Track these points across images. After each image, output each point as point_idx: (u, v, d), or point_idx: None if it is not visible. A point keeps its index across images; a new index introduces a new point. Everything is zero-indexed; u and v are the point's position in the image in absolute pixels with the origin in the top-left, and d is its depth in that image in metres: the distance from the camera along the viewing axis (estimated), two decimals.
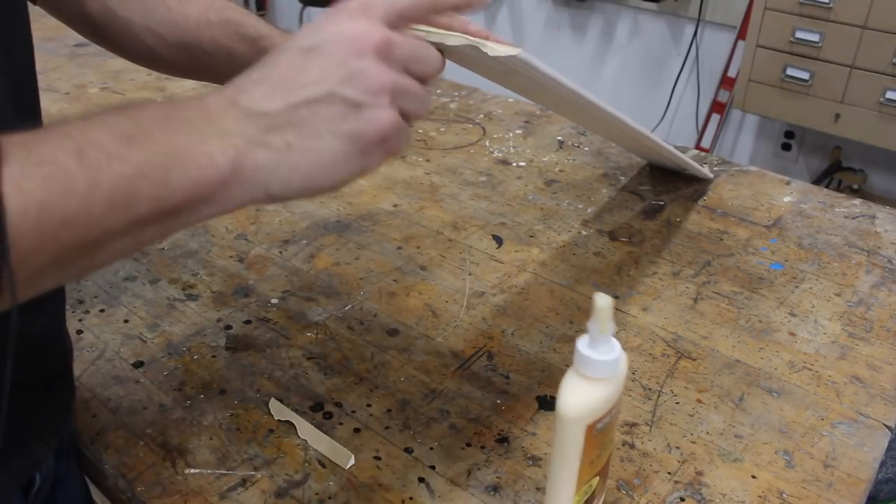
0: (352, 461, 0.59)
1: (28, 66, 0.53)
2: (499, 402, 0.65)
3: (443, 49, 0.52)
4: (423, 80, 0.44)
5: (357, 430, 0.62)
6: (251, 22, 0.61)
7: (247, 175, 0.39)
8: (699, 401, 0.65)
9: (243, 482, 0.58)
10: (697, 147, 2.50)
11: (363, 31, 0.41)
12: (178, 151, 0.37)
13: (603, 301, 0.44)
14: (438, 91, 1.29)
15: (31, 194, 0.32)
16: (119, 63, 0.68)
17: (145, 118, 0.37)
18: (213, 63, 0.62)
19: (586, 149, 1.10)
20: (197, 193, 0.37)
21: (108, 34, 0.64)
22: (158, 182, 0.36)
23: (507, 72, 0.57)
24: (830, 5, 1.92)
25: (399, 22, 0.43)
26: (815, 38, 1.97)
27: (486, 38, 0.50)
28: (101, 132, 0.35)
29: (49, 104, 1.18)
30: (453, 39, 0.49)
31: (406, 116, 0.43)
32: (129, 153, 0.35)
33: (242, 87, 0.41)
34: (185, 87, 1.27)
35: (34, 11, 0.60)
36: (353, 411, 0.64)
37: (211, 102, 0.40)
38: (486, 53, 0.48)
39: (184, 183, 0.37)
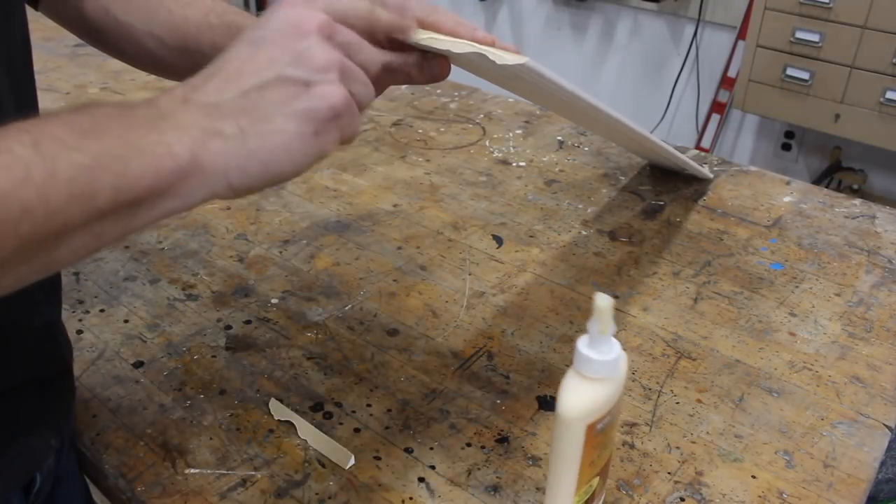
0: (352, 461, 0.59)
1: (26, 65, 0.53)
2: (499, 402, 0.65)
3: (450, 56, 0.52)
4: (364, 69, 0.45)
5: (357, 430, 0.62)
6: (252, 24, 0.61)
7: (205, 166, 0.39)
8: (699, 401, 0.65)
9: (243, 482, 0.58)
10: (697, 147, 2.50)
11: (304, 15, 0.42)
12: (136, 142, 0.37)
13: (603, 301, 0.44)
14: (438, 91, 1.29)
15: None
16: (119, 63, 0.68)
17: (101, 115, 0.37)
18: None
19: (586, 149, 1.10)
20: (156, 185, 0.37)
21: (107, 38, 0.64)
22: (117, 173, 0.36)
23: (511, 77, 0.57)
24: (830, 5, 1.92)
25: (337, 19, 0.45)
26: (815, 38, 1.97)
27: (492, 45, 0.50)
28: (56, 126, 0.35)
29: (49, 104, 1.18)
30: (460, 47, 0.49)
31: (355, 101, 0.43)
32: (86, 145, 0.35)
33: (194, 85, 0.41)
34: None
35: (34, 12, 0.60)
36: (353, 411, 0.64)
37: (163, 102, 0.40)
38: (494, 62, 0.48)
39: (143, 173, 0.36)
